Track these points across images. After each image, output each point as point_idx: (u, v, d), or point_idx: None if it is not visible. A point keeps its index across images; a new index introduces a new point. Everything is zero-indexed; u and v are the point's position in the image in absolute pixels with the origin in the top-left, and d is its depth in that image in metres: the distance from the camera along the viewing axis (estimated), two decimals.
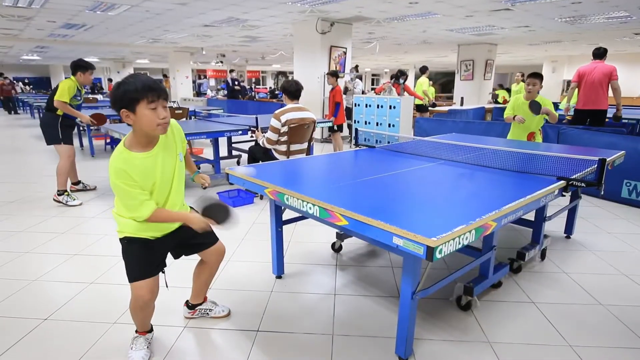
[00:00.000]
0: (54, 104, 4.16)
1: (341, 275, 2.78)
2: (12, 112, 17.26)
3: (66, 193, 4.31)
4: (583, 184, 2.30)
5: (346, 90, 8.80)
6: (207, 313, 2.25)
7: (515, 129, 4.27)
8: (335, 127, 6.92)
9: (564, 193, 2.30)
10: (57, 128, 4.26)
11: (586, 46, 13.25)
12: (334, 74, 6.98)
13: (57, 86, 4.20)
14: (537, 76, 4.04)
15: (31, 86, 22.68)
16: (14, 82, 18.50)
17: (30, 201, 4.44)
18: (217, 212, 1.81)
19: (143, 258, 1.81)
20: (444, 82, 25.80)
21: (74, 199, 4.32)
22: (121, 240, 1.80)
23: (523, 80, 9.07)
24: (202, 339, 2.09)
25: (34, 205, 4.28)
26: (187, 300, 2.26)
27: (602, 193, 2.39)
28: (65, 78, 4.25)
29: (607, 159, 2.39)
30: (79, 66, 4.20)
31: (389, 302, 2.44)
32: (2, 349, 1.98)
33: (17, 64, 23.40)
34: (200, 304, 2.24)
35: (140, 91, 1.55)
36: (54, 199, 4.30)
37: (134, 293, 1.81)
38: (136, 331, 1.97)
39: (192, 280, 2.19)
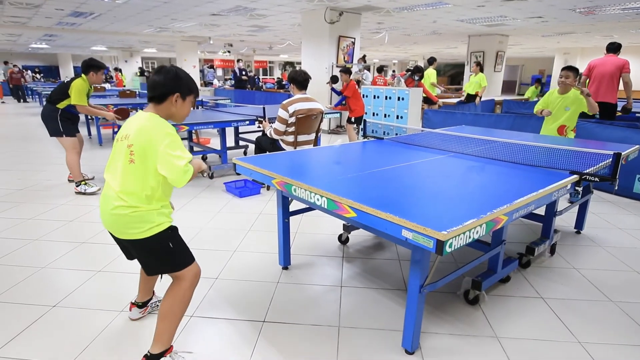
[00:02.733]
0: (59, 99, 4.17)
1: (348, 267, 2.77)
2: (22, 100, 17.37)
3: (83, 182, 4.34)
4: (596, 179, 2.25)
5: (358, 82, 8.72)
6: (157, 305, 2.20)
7: (547, 125, 4.18)
8: (353, 119, 6.88)
9: (576, 187, 2.26)
10: (57, 121, 4.26)
11: (599, 38, 12.99)
12: (347, 71, 6.80)
13: (67, 85, 4.16)
14: (571, 69, 3.96)
15: (42, 74, 22.76)
16: (23, 70, 18.57)
17: (38, 189, 4.48)
18: None
19: (182, 241, 1.81)
20: (453, 74, 25.53)
21: (92, 186, 4.35)
22: (164, 233, 1.70)
23: (481, 70, 8.87)
24: (208, 329, 2.09)
25: (42, 194, 4.31)
26: (135, 302, 2.13)
27: (616, 188, 2.34)
28: (76, 77, 4.21)
29: (622, 153, 2.34)
30: (92, 66, 4.16)
31: (395, 294, 2.42)
32: (11, 335, 1.99)
33: (26, 52, 23.49)
34: (150, 300, 2.17)
35: (195, 86, 1.79)
36: (76, 192, 4.33)
37: (195, 271, 1.78)
38: (164, 353, 1.77)
39: (139, 280, 2.10)
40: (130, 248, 1.78)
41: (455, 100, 9.71)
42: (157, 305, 2.20)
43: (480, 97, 8.68)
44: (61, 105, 4.23)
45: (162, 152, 1.57)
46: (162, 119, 1.69)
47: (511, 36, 12.60)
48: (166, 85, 1.69)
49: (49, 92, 4.44)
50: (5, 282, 2.50)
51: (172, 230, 1.75)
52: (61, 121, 4.28)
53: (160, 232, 1.69)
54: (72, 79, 4.21)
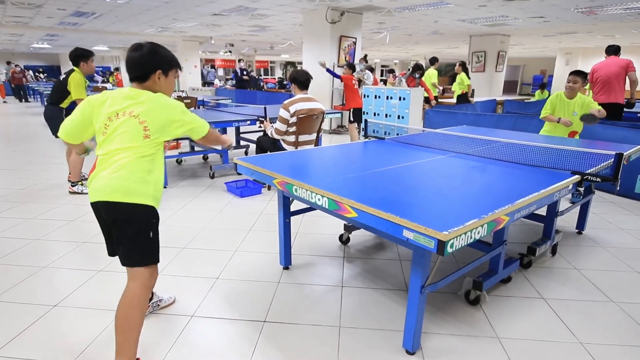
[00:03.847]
0: (61, 99, 4.14)
1: (349, 267, 2.77)
2: (23, 100, 17.40)
3: (80, 182, 4.34)
4: (598, 179, 2.25)
5: (359, 82, 8.71)
6: (158, 305, 2.20)
7: (551, 126, 4.16)
8: (352, 119, 6.96)
9: (578, 188, 2.25)
10: (63, 120, 4.25)
11: (601, 38, 12.95)
12: (350, 66, 7.06)
13: (64, 82, 4.11)
14: (579, 74, 3.94)
15: (45, 74, 22.78)
16: (25, 70, 18.60)
17: (40, 189, 4.48)
18: None
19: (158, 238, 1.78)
20: (455, 74, 25.49)
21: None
22: (153, 213, 1.70)
23: (465, 71, 8.90)
24: (208, 328, 2.09)
25: (44, 193, 4.32)
26: None
27: (618, 188, 2.33)
28: (70, 71, 4.14)
29: (624, 154, 2.33)
30: (81, 56, 4.08)
31: (396, 295, 2.42)
32: (12, 334, 2.00)
33: (28, 52, 23.50)
34: (150, 300, 2.15)
35: (176, 59, 1.78)
36: (70, 192, 4.32)
37: (152, 273, 1.74)
38: None
39: None
40: (115, 222, 1.69)
41: (456, 100, 9.68)
42: (158, 305, 2.20)
43: (471, 95, 8.76)
44: (64, 104, 4.22)
45: (178, 121, 1.71)
46: (162, 95, 1.72)
47: (513, 36, 12.58)
48: (146, 64, 1.69)
49: (49, 93, 4.42)
50: (6, 281, 2.50)
51: (157, 219, 1.75)
52: None
53: (152, 209, 1.70)
54: (67, 75, 4.14)
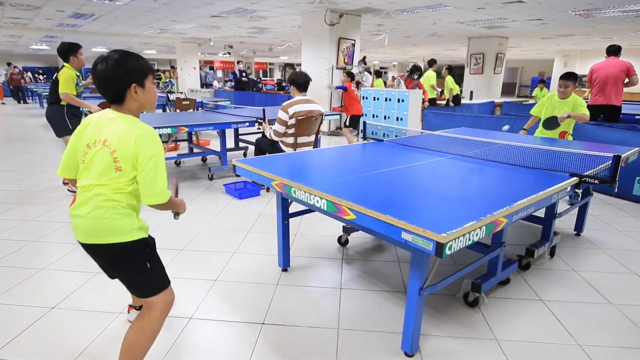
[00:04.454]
0: (60, 97, 4.13)
1: (347, 269, 2.76)
2: (22, 101, 17.37)
3: None
4: (596, 181, 2.25)
5: (358, 84, 8.73)
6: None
7: (545, 130, 4.18)
8: (348, 123, 6.96)
9: (576, 190, 2.26)
10: (65, 119, 4.25)
11: (599, 40, 13.02)
12: (349, 75, 7.07)
13: (57, 79, 4.11)
14: (570, 77, 3.94)
15: (45, 76, 22.74)
16: (23, 71, 18.58)
17: (38, 190, 4.47)
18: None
19: (160, 261, 1.64)
20: (453, 76, 25.53)
21: None
22: (141, 242, 1.53)
23: (451, 74, 9.19)
24: (207, 330, 2.09)
25: (42, 195, 4.31)
26: (133, 305, 2.09)
27: (616, 190, 2.34)
28: (62, 67, 4.12)
29: (622, 156, 2.34)
30: (69, 50, 4.04)
31: (395, 297, 2.42)
32: (10, 337, 1.99)
33: (26, 53, 23.47)
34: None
35: (148, 63, 1.55)
36: (69, 190, 4.32)
37: (167, 300, 1.61)
38: None
39: None
40: (103, 261, 1.59)
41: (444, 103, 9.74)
42: None
43: (453, 100, 9.02)
44: (64, 102, 4.22)
45: (145, 163, 1.45)
46: (138, 120, 1.52)
47: (511, 38, 12.62)
48: (116, 80, 1.47)
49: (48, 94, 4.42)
50: (4, 283, 2.49)
51: (149, 247, 1.57)
52: (69, 118, 4.27)
53: (140, 242, 1.53)
54: (58, 72, 4.13)
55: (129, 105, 1.52)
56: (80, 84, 4.32)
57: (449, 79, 9.18)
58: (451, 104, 9.12)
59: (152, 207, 1.52)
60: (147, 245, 1.56)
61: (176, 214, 1.74)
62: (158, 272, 1.61)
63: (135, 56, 1.51)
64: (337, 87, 7.70)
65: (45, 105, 4.51)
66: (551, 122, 3.89)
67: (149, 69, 1.54)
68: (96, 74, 1.47)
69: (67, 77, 4.07)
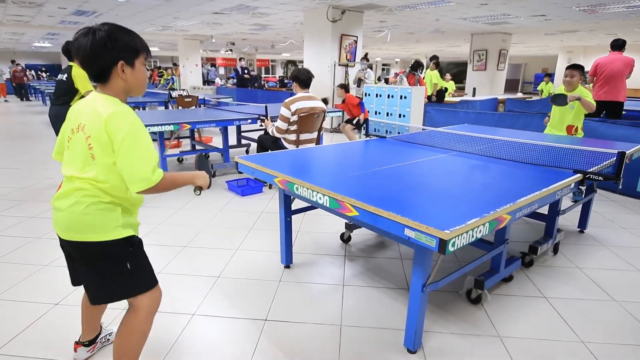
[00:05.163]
0: (71, 97, 4.09)
1: (350, 265, 2.76)
2: (24, 99, 17.43)
3: None
4: (600, 178, 2.24)
5: (360, 81, 8.70)
6: (108, 339, 1.90)
7: (554, 125, 4.17)
8: (354, 121, 6.87)
9: (580, 187, 2.25)
10: None
11: (603, 36, 12.93)
12: (343, 86, 6.88)
13: (68, 81, 4.03)
14: (576, 67, 3.95)
15: (48, 73, 22.78)
16: (26, 69, 18.64)
17: (41, 188, 4.49)
18: (204, 164, 1.71)
19: (145, 260, 1.52)
20: (456, 73, 25.42)
21: None
22: (124, 244, 1.42)
23: (439, 68, 9.07)
24: (210, 327, 2.09)
25: (45, 192, 4.33)
26: (80, 342, 1.80)
27: (620, 187, 2.33)
28: (69, 68, 4.05)
29: (627, 152, 2.32)
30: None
31: (398, 293, 2.42)
32: (14, 333, 2.00)
33: (29, 51, 23.53)
34: (99, 334, 1.86)
35: (142, 41, 1.39)
36: None
37: (153, 297, 1.51)
38: None
39: (82, 315, 1.78)
40: (80, 260, 1.46)
41: (457, 99, 9.68)
42: (108, 340, 1.90)
43: (436, 96, 8.92)
44: (74, 102, 4.19)
45: (119, 146, 1.29)
46: (119, 102, 1.37)
47: (514, 34, 12.56)
48: (100, 55, 1.31)
49: (53, 93, 4.34)
50: (8, 279, 2.51)
51: (134, 247, 1.45)
52: None
53: (121, 240, 1.41)
54: (68, 73, 4.05)
55: (113, 84, 1.37)
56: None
57: (434, 74, 8.94)
58: (434, 98, 8.93)
59: (146, 192, 1.34)
60: (129, 243, 1.44)
61: (196, 189, 1.59)
62: (142, 273, 1.49)
63: (127, 31, 1.36)
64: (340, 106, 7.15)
65: (48, 103, 4.47)
66: (560, 98, 3.83)
67: (142, 47, 1.39)
68: (81, 47, 1.31)
69: (81, 76, 4.03)
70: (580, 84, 3.95)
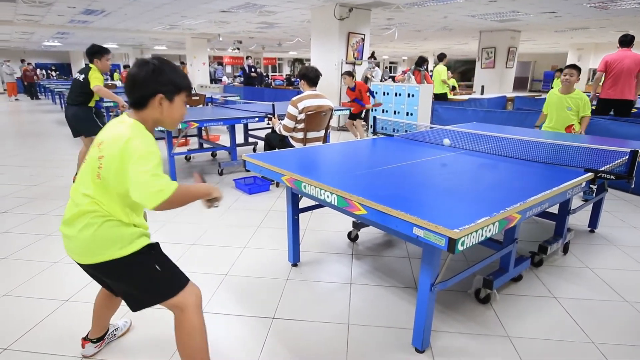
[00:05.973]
0: (88, 99, 4.16)
1: (357, 264, 2.76)
2: (34, 97, 17.64)
3: None
4: (612, 177, 2.21)
5: (367, 79, 8.68)
6: (114, 334, 1.94)
7: (549, 122, 4.19)
8: (357, 115, 6.87)
9: (591, 185, 2.22)
10: (94, 119, 4.28)
11: (614, 33, 12.74)
12: (349, 74, 6.83)
13: (85, 82, 4.10)
14: (575, 67, 3.97)
15: (57, 72, 23.04)
16: (36, 68, 18.87)
17: (51, 185, 4.53)
18: None
19: (170, 260, 1.54)
20: (464, 70, 25.28)
21: None
22: (145, 251, 1.45)
23: (444, 64, 8.89)
24: (218, 325, 2.10)
25: (55, 190, 4.37)
26: (88, 338, 1.83)
27: (633, 186, 2.29)
28: (87, 68, 4.15)
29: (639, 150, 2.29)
30: (96, 52, 4.11)
31: (405, 292, 2.41)
32: (25, 328, 2.02)
33: (39, 50, 23.78)
34: (106, 333, 1.89)
35: (185, 81, 1.46)
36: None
37: (194, 292, 1.49)
38: None
39: (93, 313, 1.82)
40: (106, 277, 1.50)
41: (466, 97, 9.61)
42: (114, 335, 1.93)
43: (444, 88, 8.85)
44: (92, 103, 4.27)
45: (131, 169, 1.29)
46: (144, 129, 1.39)
47: (523, 32, 12.42)
48: (144, 86, 1.39)
49: (62, 90, 4.43)
50: (19, 276, 2.54)
51: (155, 249, 1.49)
52: (98, 117, 4.33)
53: (141, 250, 1.44)
54: (86, 73, 4.13)
55: (148, 113, 1.42)
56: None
57: (442, 71, 8.74)
58: (447, 90, 8.86)
59: (158, 209, 1.30)
60: (151, 248, 1.48)
61: (211, 201, 1.53)
62: (172, 270, 1.51)
63: (174, 69, 1.44)
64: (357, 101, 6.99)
65: (60, 99, 4.54)
66: None
67: (184, 87, 1.45)
68: (130, 74, 1.41)
69: (97, 74, 4.12)
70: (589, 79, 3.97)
